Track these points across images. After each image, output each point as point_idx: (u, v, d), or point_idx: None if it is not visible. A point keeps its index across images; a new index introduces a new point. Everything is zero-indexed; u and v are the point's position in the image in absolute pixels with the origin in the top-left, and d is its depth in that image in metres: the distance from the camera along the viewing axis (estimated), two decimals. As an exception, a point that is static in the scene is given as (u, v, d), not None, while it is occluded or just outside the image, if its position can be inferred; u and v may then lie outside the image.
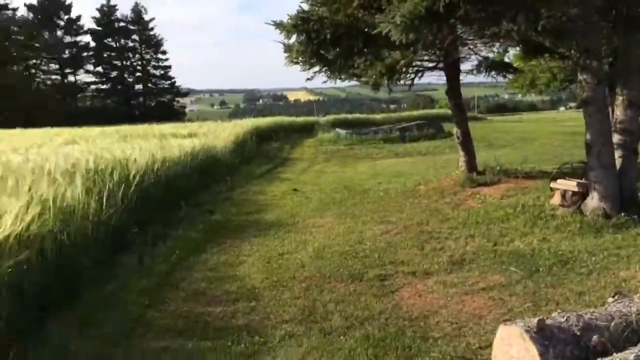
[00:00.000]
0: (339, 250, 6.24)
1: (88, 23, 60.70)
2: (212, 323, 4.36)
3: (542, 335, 2.41)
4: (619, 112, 6.88)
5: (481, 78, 13.17)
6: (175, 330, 4.23)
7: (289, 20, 8.67)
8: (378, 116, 35.11)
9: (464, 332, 3.93)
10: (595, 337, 2.42)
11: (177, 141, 13.82)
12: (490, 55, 11.39)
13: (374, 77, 10.20)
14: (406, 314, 4.36)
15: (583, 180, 6.92)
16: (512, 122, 35.57)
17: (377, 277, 5.27)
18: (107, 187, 7.11)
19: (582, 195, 6.79)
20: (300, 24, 8.58)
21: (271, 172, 14.42)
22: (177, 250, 6.45)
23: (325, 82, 10.69)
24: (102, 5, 60.27)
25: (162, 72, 63.32)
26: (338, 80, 11.15)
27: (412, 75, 10.75)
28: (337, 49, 8.84)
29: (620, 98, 6.87)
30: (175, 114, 57.14)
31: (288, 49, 9.29)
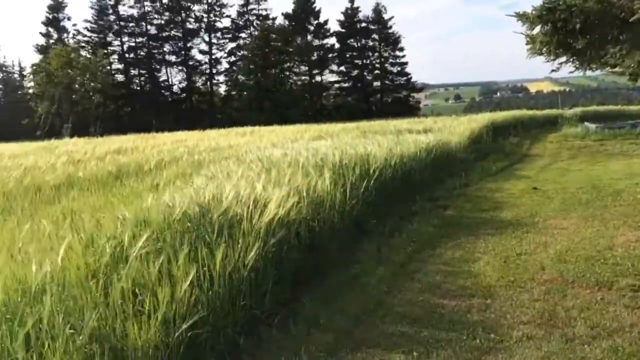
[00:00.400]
0: (584, 254, 5.80)
1: (334, 26, 65.52)
2: (447, 315, 4.49)
3: None
4: None
5: None
6: (411, 317, 4.47)
7: (533, 12, 8.30)
8: (635, 108, 30.79)
9: None
10: None
11: (412, 137, 14.18)
12: None
13: (631, 66, 9.09)
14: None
15: None
16: None
17: (629, 286, 4.79)
18: (350, 180, 7.74)
19: None
20: (545, 15, 8.15)
21: (508, 168, 13.86)
22: (412, 243, 6.73)
23: (572, 72, 9.94)
24: (347, 9, 64.54)
25: (399, 68, 65.19)
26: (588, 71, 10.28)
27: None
28: (587, 38, 8.18)
29: None
30: (410, 110, 58.38)
31: (531, 40, 8.87)
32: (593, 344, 3.78)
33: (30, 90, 60.22)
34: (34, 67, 57.51)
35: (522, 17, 8.62)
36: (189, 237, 4.46)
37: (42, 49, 60.32)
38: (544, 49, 8.95)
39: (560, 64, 9.50)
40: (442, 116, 31.81)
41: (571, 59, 9.34)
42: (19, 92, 65.57)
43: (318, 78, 65.04)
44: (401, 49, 65.03)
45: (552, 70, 9.92)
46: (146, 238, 4.07)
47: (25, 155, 15.88)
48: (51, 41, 61.18)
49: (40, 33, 62.88)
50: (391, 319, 4.50)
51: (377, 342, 4.07)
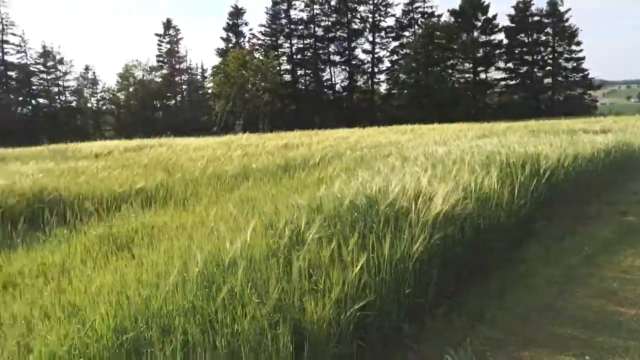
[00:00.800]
0: None
1: (503, 21, 62.62)
2: (625, 323, 4.24)
3: None
4: None
5: None
6: (584, 322, 4.30)
7: None
8: None
9: None
10: None
11: (588, 137, 13.19)
12: None
13: None
14: None
15: None
16: None
17: None
18: (519, 179, 7.51)
19: None
20: None
21: None
22: (586, 247, 6.36)
23: None
24: (518, 2, 61.30)
25: (574, 64, 60.27)
26: None
27: None
28: None
29: None
30: (585, 108, 53.69)
31: None
32: None
33: (210, 90, 66.60)
34: (214, 69, 63.58)
35: None
36: (358, 226, 4.74)
37: (221, 52, 66.41)
38: None
39: None
40: (623, 115, 28.82)
41: None
42: (200, 92, 72.79)
43: (482, 75, 62.75)
44: (578, 43, 60.03)
45: None
46: (319, 224, 4.44)
47: (206, 148, 17.75)
48: (230, 45, 67.00)
49: (221, 38, 69.31)
50: (561, 321, 4.36)
51: (545, 342, 3.99)
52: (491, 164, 7.82)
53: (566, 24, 60.15)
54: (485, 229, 6.01)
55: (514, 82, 62.05)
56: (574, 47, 60.34)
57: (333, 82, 68.59)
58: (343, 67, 67.81)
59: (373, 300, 3.98)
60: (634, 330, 4.09)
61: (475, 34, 61.88)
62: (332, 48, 67.81)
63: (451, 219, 5.38)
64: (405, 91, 61.36)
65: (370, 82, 67.69)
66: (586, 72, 59.74)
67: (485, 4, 60.97)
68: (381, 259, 4.23)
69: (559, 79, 60.42)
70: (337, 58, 68.00)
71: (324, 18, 67.42)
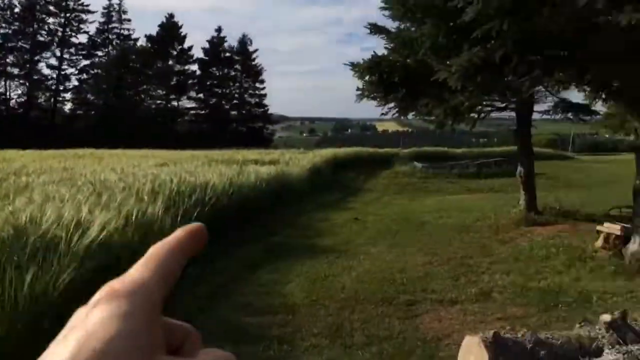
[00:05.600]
0: (379, 276, 6.78)
1: (198, 53, 64.92)
2: (252, 331, 5.06)
3: (496, 345, 2.89)
4: (670, 161, 6.97)
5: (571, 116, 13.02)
6: (218, 334, 4.96)
7: (364, 63, 9.51)
8: (458, 150, 34.90)
9: (465, 353, 4.37)
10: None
11: (255, 167, 14.91)
12: (568, 96, 11.43)
13: (439, 117, 10.74)
14: (422, 336, 4.85)
15: (628, 225, 7.02)
16: (603, 162, 33.99)
17: (406, 302, 5.77)
18: (185, 206, 8.13)
19: (625, 239, 6.90)
20: (373, 67, 9.38)
21: (340, 201, 15.10)
22: (235, 266, 7.27)
23: (394, 116, 11.45)
24: (213, 37, 64.73)
25: (257, 100, 66.52)
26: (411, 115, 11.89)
27: (476, 115, 11.12)
28: (405, 90, 9.55)
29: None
30: (263, 141, 59.66)
31: (361, 87, 10.11)
32: (365, 349, 4.58)
33: None
34: None
35: (355, 67, 9.81)
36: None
37: None
38: (372, 95, 10.26)
39: (389, 108, 10.91)
40: (292, 149, 33.15)
41: (395, 106, 10.79)
42: None
43: (175, 103, 63.97)
44: (262, 81, 66.53)
45: (382, 114, 11.33)
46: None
47: None
48: None
49: None
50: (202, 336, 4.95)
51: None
52: (160, 192, 8.25)
53: (253, 63, 66.15)
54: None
55: (203, 112, 64.99)
56: (258, 84, 66.71)
57: (8, 96, 60.38)
58: (22, 81, 60.40)
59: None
60: (257, 336, 4.91)
61: (171, 62, 62.88)
62: (10, 59, 59.78)
63: (108, 248, 5.56)
64: (93, 112, 58.19)
65: (52, 101, 61.90)
66: (267, 108, 66.64)
67: (183, 34, 62.70)
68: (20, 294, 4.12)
69: (244, 112, 65.84)
70: (15, 70, 60.21)
71: (4, 25, 59.12)
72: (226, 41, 65.31)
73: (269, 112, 67.07)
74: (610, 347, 2.94)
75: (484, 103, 10.85)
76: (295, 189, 14.58)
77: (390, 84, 9.62)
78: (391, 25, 9.99)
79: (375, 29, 10.17)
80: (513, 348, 2.93)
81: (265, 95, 66.82)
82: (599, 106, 14.23)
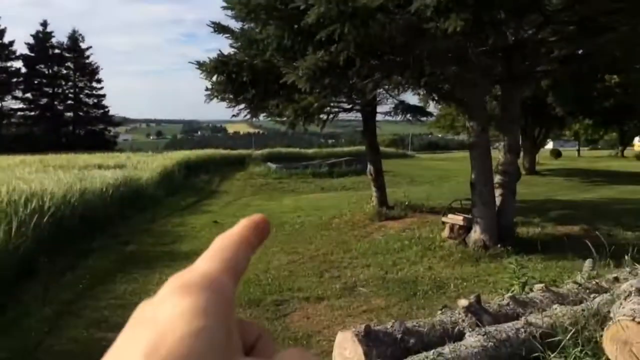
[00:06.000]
0: (244, 278, 6.51)
1: (21, 48, 58.54)
2: (109, 347, 4.60)
3: (368, 338, 2.92)
4: (500, 156, 7.74)
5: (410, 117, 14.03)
6: (71, 354, 4.46)
7: (210, 63, 9.19)
8: (309, 151, 35.86)
9: (337, 349, 4.41)
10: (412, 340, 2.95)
11: (100, 172, 13.85)
12: (406, 99, 12.33)
13: (290, 117, 10.84)
14: (292, 334, 4.80)
15: (469, 216, 7.68)
16: (438, 160, 37.28)
17: (273, 302, 5.70)
18: (19, 217, 7.23)
19: (467, 229, 7.54)
20: (220, 67, 9.11)
21: (196, 204, 14.61)
22: (84, 280, 6.62)
23: (246, 117, 11.26)
24: (38, 32, 58.81)
25: (96, 100, 62.04)
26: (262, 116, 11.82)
27: (326, 116, 11.43)
28: (254, 90, 9.43)
29: (502, 143, 7.74)
30: (105, 144, 55.87)
31: (209, 87, 9.78)
32: (236, 353, 4.41)
33: None
34: None
35: (201, 66, 9.47)
36: None
37: None
38: (221, 95, 9.99)
39: (240, 109, 10.73)
40: (140, 152, 31.49)
41: (246, 107, 10.64)
42: None
43: (-2, 104, 57.25)
44: (99, 81, 62.06)
45: (233, 115, 11.10)
46: None
47: None
48: None
49: None
50: (50, 357, 4.41)
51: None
52: (-13, 203, 7.26)
53: (87, 61, 61.50)
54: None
55: (33, 113, 59.06)
56: (94, 84, 62.17)
57: None
58: None
59: None
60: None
61: (-12, 58, 56.11)
62: None
63: None
64: None
65: None
66: (107, 109, 62.42)
67: (1, 27, 56.19)
68: None
69: (80, 113, 61.01)
70: None
71: None
72: (54, 36, 59.78)
73: (110, 113, 62.94)
74: (470, 329, 3.13)
75: (331, 104, 11.21)
76: (146, 194, 13.79)
77: (239, 84, 9.47)
78: (235, 25, 9.85)
79: (220, 28, 9.93)
80: (384, 339, 3.00)
81: (104, 95, 62.53)
82: (432, 108, 15.62)
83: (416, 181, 20.05)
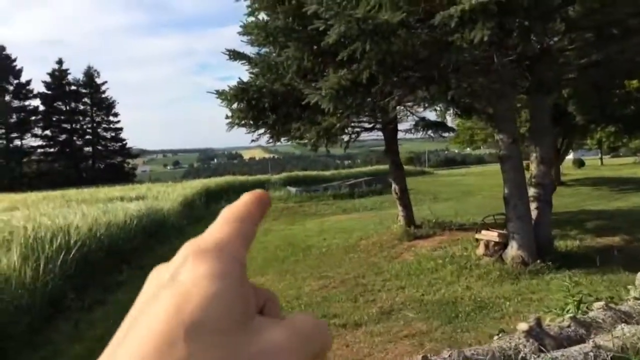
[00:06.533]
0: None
1: (38, 87, 59.75)
2: None
3: (426, 371, 2.70)
4: (533, 168, 7.50)
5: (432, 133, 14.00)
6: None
7: (230, 90, 9.15)
8: (327, 173, 35.81)
9: (384, 378, 4.18)
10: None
11: (123, 204, 13.84)
12: (426, 115, 12.19)
13: (312, 139, 10.74)
14: (334, 365, 4.59)
15: (503, 231, 7.43)
16: (458, 175, 36.89)
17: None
18: (46, 253, 7.15)
19: (503, 245, 7.28)
20: (240, 94, 9.07)
21: (219, 232, 14.47)
22: (115, 315, 6.48)
23: (269, 142, 11.17)
24: (54, 70, 60.04)
25: (113, 134, 62.89)
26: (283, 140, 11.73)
27: (348, 137, 11.32)
28: (275, 115, 9.37)
29: (534, 155, 7.51)
30: (125, 176, 56.39)
31: (230, 115, 9.75)
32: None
33: None
34: None
35: (221, 95, 9.44)
36: None
37: None
38: (242, 122, 9.94)
39: (259, 135, 10.66)
40: (159, 182, 31.64)
41: (266, 132, 10.57)
42: None
43: (18, 142, 58.23)
44: (115, 114, 63.03)
45: (253, 141, 11.02)
46: None
47: None
48: None
49: None
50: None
51: None
52: (13, 240, 7.20)
53: (103, 95, 62.51)
54: (4, 311, 5.42)
55: (52, 149, 59.96)
56: (112, 118, 63.08)
57: None
58: None
59: None
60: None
61: (7, 98, 57.30)
62: None
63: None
64: None
65: None
66: (124, 142, 63.17)
67: (18, 67, 57.48)
68: None
69: (99, 147, 61.83)
70: None
71: None
72: (69, 73, 60.93)
73: (127, 145, 63.70)
74: (535, 356, 2.90)
75: (353, 124, 11.11)
76: (169, 224, 13.73)
77: (260, 110, 9.42)
78: (251, 50, 9.82)
79: (236, 55, 9.92)
80: (445, 369, 2.78)
81: (121, 128, 63.43)
82: (450, 122, 15.42)
83: (439, 198, 19.74)
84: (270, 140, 11.10)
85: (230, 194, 23.26)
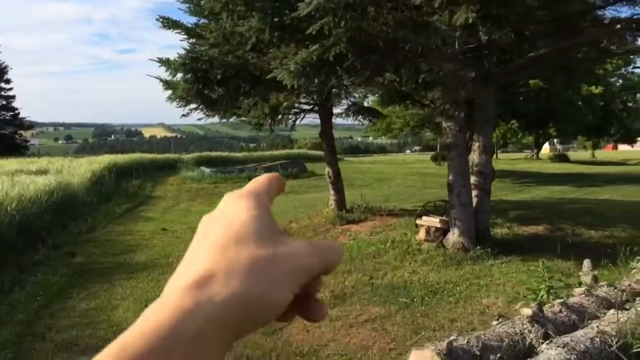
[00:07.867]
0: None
1: None
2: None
3: (450, 357, 2.62)
4: (475, 156, 7.70)
5: (340, 120, 14.08)
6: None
7: (178, 59, 8.53)
8: (240, 154, 35.12)
9: (355, 363, 4.08)
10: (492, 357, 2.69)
11: (30, 177, 12.65)
12: (355, 99, 12.22)
13: (257, 117, 10.36)
14: (297, 350, 4.43)
15: (444, 217, 7.59)
16: (368, 163, 37.67)
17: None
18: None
19: (444, 231, 7.44)
20: (188, 63, 8.48)
21: (133, 210, 13.70)
22: (39, 297, 5.86)
23: (200, 119, 10.61)
24: None
25: (4, 102, 57.50)
26: (215, 118, 11.20)
27: (292, 117, 11.10)
28: (223, 89, 8.86)
29: (477, 144, 7.70)
30: (17, 148, 51.86)
31: (172, 86, 9.13)
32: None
33: None
34: None
35: (166, 63, 8.76)
36: None
37: None
38: (186, 95, 9.29)
39: (191, 110, 10.05)
40: (55, 157, 29.39)
41: (201, 107, 9.99)
42: None
43: None
44: (8, 81, 57.57)
45: (183, 115, 10.36)
46: None
47: None
48: None
49: None
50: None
51: None
52: None
53: (-10, 60, 56.91)
54: None
55: None
56: (3, 85, 57.59)
57: None
58: None
59: None
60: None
61: None
62: None
63: None
64: None
65: None
66: (17, 111, 58.01)
67: None
68: None
69: (-10, 116, 56.37)
70: None
71: None
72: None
73: (20, 116, 58.57)
74: (542, 341, 2.91)
75: (296, 105, 10.89)
76: (80, 201, 12.74)
77: (207, 82, 8.88)
78: (188, 21, 9.20)
79: (171, 24, 9.32)
80: (463, 356, 2.72)
81: (13, 97, 58.16)
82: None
83: (355, 184, 19.97)
84: (202, 118, 10.58)
85: (139, 171, 22.07)
